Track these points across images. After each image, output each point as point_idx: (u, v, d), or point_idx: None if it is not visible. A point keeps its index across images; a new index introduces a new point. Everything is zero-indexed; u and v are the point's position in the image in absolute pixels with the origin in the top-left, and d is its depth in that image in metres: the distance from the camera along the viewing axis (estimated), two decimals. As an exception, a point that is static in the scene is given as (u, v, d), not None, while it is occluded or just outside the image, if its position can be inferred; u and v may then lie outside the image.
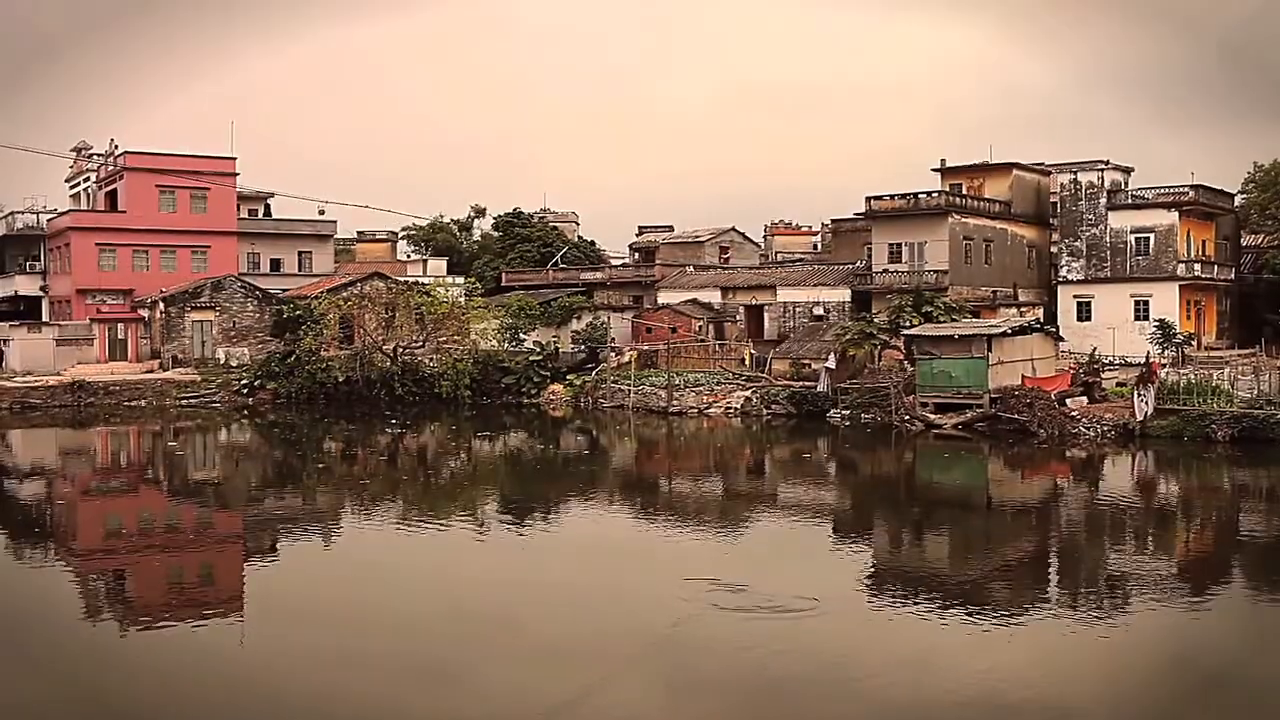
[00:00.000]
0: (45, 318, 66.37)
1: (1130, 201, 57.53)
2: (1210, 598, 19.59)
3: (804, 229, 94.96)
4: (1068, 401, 40.09)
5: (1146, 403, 37.44)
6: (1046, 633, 17.11)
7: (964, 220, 56.21)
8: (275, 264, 71.80)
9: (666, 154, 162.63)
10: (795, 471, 35.58)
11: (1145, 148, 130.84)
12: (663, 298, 64.56)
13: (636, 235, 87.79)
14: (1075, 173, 58.40)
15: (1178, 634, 17.20)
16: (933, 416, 41.11)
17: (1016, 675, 15.03)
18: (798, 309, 59.75)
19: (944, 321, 45.53)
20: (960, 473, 35.06)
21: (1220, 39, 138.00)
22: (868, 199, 57.91)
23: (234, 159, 69.53)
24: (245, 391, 53.96)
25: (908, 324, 45.52)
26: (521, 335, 59.36)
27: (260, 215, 75.16)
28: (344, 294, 58.12)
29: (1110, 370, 46.66)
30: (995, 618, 17.90)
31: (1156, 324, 52.48)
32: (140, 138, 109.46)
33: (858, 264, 61.68)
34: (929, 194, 56.95)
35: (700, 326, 59.25)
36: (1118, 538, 24.75)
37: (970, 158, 63.08)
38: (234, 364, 58.27)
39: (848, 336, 46.91)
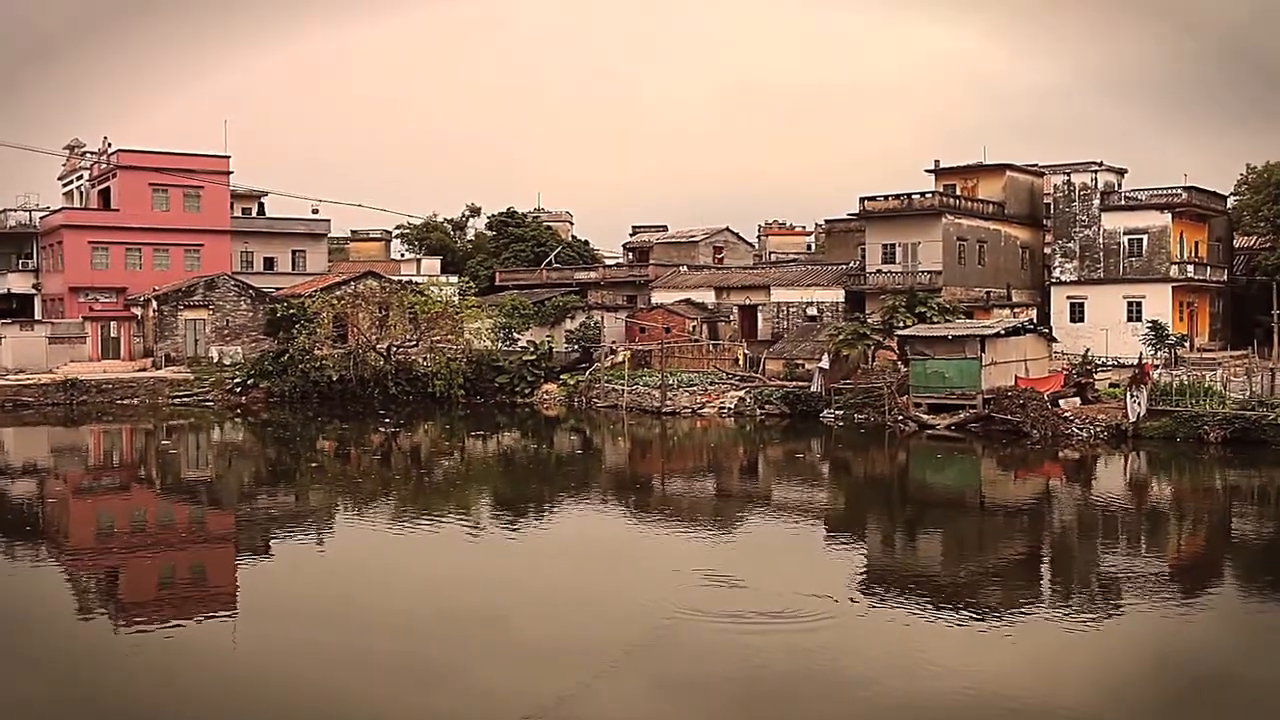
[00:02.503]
0: (38, 316, 66.23)
1: (1123, 203, 57.67)
2: (1203, 599, 19.65)
3: (798, 229, 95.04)
4: (1061, 402, 40.15)
5: (1139, 404, 37.52)
6: (1039, 633, 17.15)
7: (958, 221, 56.26)
8: (269, 262, 71.71)
9: (661, 154, 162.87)
10: (789, 472, 35.58)
11: (1138, 149, 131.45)
12: (657, 297, 64.55)
13: (630, 235, 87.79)
14: (1069, 174, 58.55)
15: (1170, 635, 17.25)
16: (926, 417, 41.12)
17: (1009, 676, 15.07)
18: (791, 309, 59.78)
19: (937, 322, 45.58)
20: (954, 473, 35.08)
21: (1215, 41, 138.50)
22: (862, 199, 57.95)
23: (228, 158, 69.47)
24: (238, 390, 53.87)
25: (901, 325, 45.54)
26: (515, 335, 59.31)
27: (254, 214, 75.03)
28: (338, 293, 58.06)
29: (1103, 371, 46.74)
30: (988, 618, 17.94)
31: (1149, 325, 52.61)
32: (137, 137, 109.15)
33: (851, 265, 61.71)
34: (923, 195, 57.00)
35: (694, 326, 59.25)
36: (1110, 539, 24.80)
37: (964, 159, 63.23)
38: (227, 362, 58.17)
39: (841, 337, 46.92)
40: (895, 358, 45.75)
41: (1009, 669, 15.42)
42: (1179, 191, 56.90)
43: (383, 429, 44.99)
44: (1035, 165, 64.47)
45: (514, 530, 25.23)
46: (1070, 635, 16.87)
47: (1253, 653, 16.56)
